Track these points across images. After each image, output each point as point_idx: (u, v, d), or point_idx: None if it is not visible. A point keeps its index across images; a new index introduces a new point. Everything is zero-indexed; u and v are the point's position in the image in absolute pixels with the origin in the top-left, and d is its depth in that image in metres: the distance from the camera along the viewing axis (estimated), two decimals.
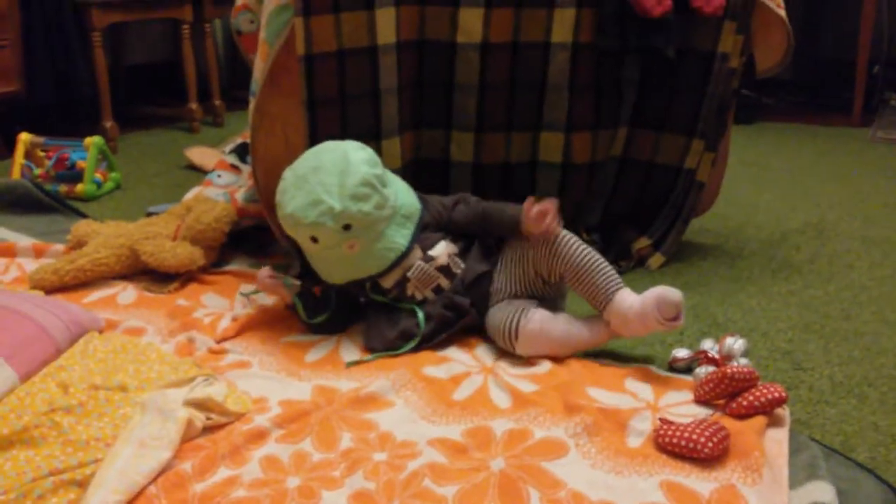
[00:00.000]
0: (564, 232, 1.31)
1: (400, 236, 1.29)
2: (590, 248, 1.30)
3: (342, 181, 1.23)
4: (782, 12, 1.66)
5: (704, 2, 1.55)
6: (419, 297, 1.33)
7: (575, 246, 1.29)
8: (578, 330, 1.27)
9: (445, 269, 1.33)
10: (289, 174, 1.29)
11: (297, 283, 1.38)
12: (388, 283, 1.32)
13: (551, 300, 1.35)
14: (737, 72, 1.64)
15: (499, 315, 1.29)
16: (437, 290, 1.33)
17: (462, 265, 1.35)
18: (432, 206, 1.37)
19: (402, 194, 1.33)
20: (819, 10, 3.81)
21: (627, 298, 1.24)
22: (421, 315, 1.30)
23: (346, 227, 1.24)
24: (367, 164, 1.26)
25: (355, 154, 1.27)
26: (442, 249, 1.33)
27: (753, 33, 1.66)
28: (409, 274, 1.31)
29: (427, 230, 1.34)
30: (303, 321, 1.35)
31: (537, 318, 1.26)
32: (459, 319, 1.31)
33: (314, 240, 1.26)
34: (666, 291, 1.22)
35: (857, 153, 2.82)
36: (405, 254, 1.30)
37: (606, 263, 1.29)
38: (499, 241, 1.37)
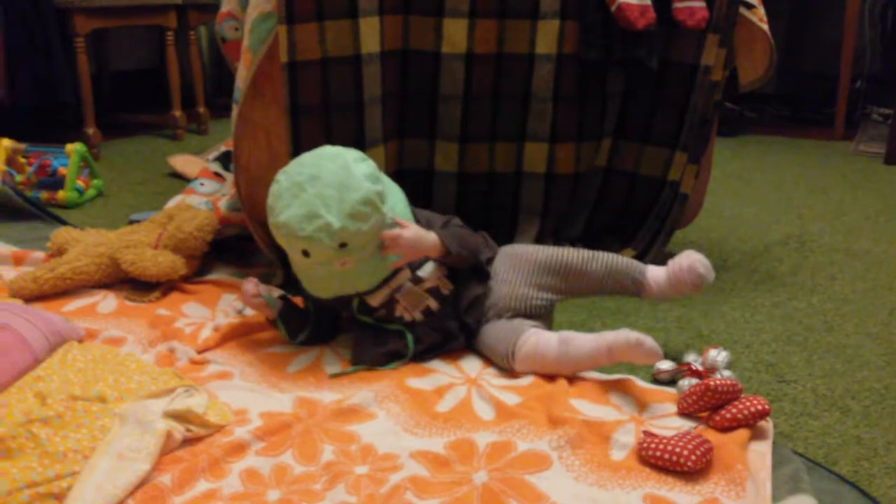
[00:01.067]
0: (560, 252, 1.34)
1: (392, 255, 1.25)
2: (586, 252, 1.35)
3: (342, 196, 1.18)
4: (765, 26, 1.67)
5: (687, 14, 1.56)
6: (408, 318, 1.29)
7: (585, 263, 1.34)
8: (576, 352, 1.23)
9: (434, 291, 1.30)
10: (283, 178, 1.23)
11: (280, 300, 1.33)
12: (375, 301, 1.28)
13: (543, 316, 1.34)
14: (719, 84, 1.65)
15: (494, 335, 1.28)
16: (427, 311, 1.30)
17: (451, 286, 1.32)
18: (420, 219, 1.33)
19: (399, 206, 1.29)
20: (802, 25, 3.85)
21: (655, 273, 1.34)
22: (410, 338, 1.28)
23: (342, 245, 1.19)
24: (369, 180, 1.20)
25: (357, 167, 1.21)
26: (430, 270, 1.30)
27: (736, 47, 1.68)
28: (397, 295, 1.28)
29: None
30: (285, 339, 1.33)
31: (533, 341, 1.24)
32: (448, 342, 1.30)
33: (305, 253, 1.21)
34: (698, 260, 1.30)
35: (840, 166, 2.85)
36: (394, 272, 1.27)
37: (613, 257, 1.35)
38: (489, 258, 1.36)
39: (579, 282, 1.34)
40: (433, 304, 1.30)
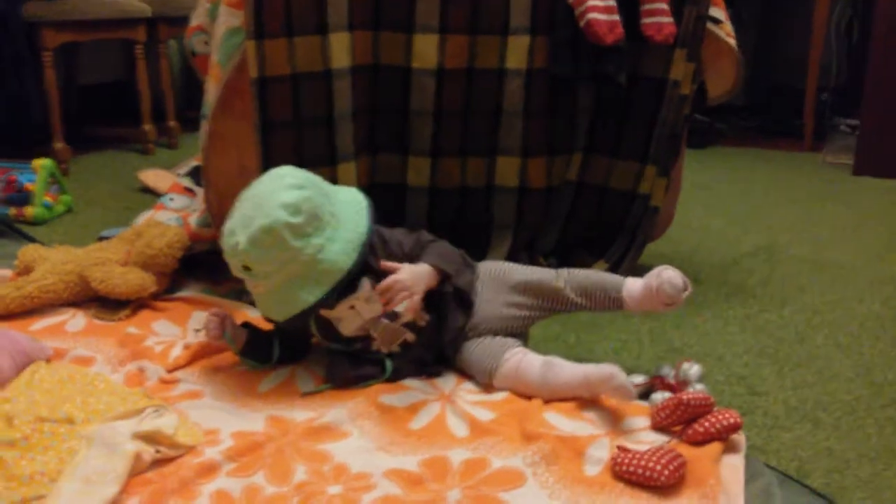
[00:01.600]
0: (538, 272, 1.33)
1: (307, 293, 1.18)
2: (563, 271, 1.33)
3: (254, 218, 1.15)
4: (732, 42, 1.70)
5: (655, 30, 1.58)
6: (385, 351, 1.27)
7: (562, 282, 1.30)
8: (555, 379, 1.21)
9: (411, 325, 1.26)
10: (240, 196, 1.24)
11: (244, 328, 1.29)
12: (346, 331, 1.25)
13: (522, 334, 1.34)
14: (688, 98, 1.67)
15: (479, 351, 1.27)
16: (404, 344, 1.27)
17: (427, 316, 1.27)
18: (392, 245, 1.28)
19: (337, 247, 1.19)
20: (770, 39, 3.91)
21: (632, 289, 1.29)
22: (389, 364, 1.26)
23: (246, 268, 1.18)
24: (286, 210, 1.14)
25: (284, 194, 1.16)
26: (406, 304, 1.24)
27: (704, 61, 1.70)
28: (373, 331, 1.25)
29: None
30: None
31: (516, 360, 1.24)
32: (424, 372, 1.28)
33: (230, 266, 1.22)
34: (667, 281, 1.24)
35: (808, 177, 2.89)
36: (315, 306, 1.20)
37: (589, 275, 1.33)
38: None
39: (557, 301, 1.32)
40: (410, 336, 1.27)
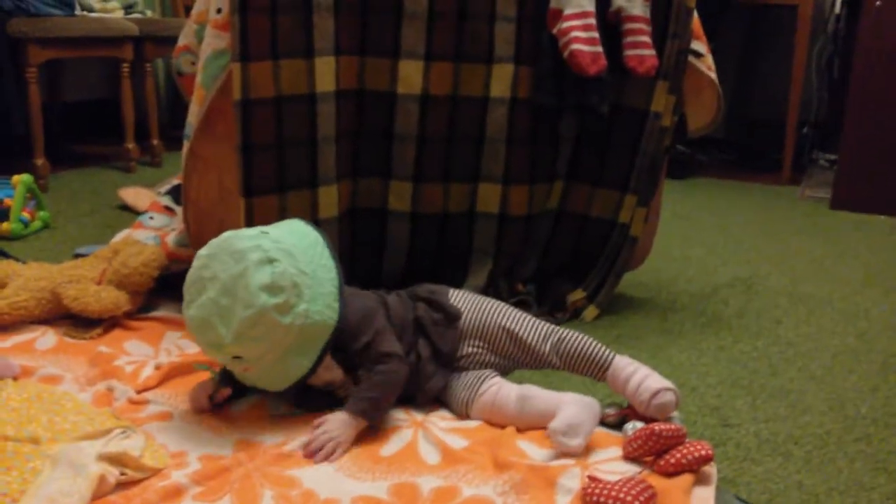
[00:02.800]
0: (525, 331, 1.28)
1: (302, 359, 1.16)
2: (554, 337, 1.27)
3: (234, 308, 1.09)
4: (713, 75, 1.72)
5: (637, 62, 1.60)
6: None
7: (548, 348, 1.26)
8: (532, 410, 1.21)
9: None
10: (196, 264, 1.15)
11: (225, 391, 1.23)
12: (314, 381, 1.23)
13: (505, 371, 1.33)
14: (669, 130, 1.69)
15: (456, 383, 1.26)
16: None
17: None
18: (346, 337, 1.20)
19: (320, 304, 1.15)
20: (751, 72, 3.97)
21: (621, 377, 1.24)
22: None
23: (237, 357, 1.14)
24: (266, 293, 1.10)
25: (257, 274, 1.10)
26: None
27: (685, 94, 1.72)
28: (339, 391, 1.24)
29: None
30: None
31: (493, 391, 1.23)
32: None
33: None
34: (664, 406, 1.19)
35: (786, 210, 2.92)
36: (311, 373, 1.18)
37: (585, 345, 1.27)
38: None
39: (537, 361, 1.29)
40: None
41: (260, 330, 1.11)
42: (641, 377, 1.22)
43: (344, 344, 1.20)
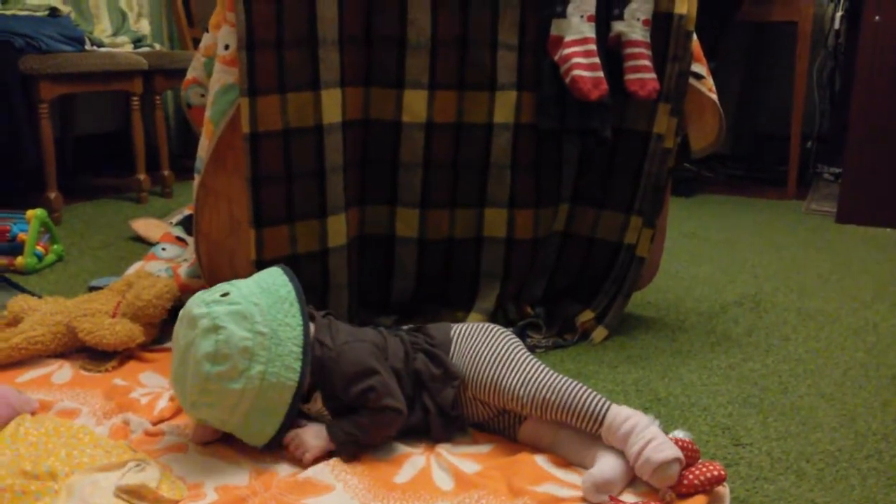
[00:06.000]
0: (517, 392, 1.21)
1: (272, 418, 1.16)
2: (547, 380, 1.20)
3: (186, 377, 1.14)
4: (714, 96, 1.74)
5: (639, 86, 1.62)
6: None
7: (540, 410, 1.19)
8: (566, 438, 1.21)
9: None
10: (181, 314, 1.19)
11: None
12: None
13: None
14: (672, 151, 1.71)
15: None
16: None
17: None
18: (335, 378, 1.20)
19: (278, 365, 1.15)
20: (754, 88, 4.00)
21: (618, 433, 1.14)
22: None
23: (204, 421, 1.19)
24: (209, 362, 1.11)
25: (200, 344, 1.12)
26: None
27: (687, 115, 1.74)
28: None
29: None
30: None
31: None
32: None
33: None
34: (668, 478, 1.10)
35: (792, 225, 2.93)
36: (283, 430, 1.18)
37: (577, 387, 1.18)
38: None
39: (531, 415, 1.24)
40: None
41: (210, 397, 1.14)
42: (642, 445, 1.11)
43: (336, 392, 1.20)
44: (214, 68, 1.53)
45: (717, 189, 3.53)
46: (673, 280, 2.18)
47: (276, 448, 1.20)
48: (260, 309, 1.16)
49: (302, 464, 1.16)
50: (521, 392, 1.20)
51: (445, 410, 1.25)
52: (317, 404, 1.23)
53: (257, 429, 1.17)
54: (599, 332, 1.72)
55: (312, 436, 1.19)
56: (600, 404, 1.16)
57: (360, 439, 1.19)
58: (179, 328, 1.18)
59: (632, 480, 1.15)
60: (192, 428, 1.25)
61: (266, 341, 1.15)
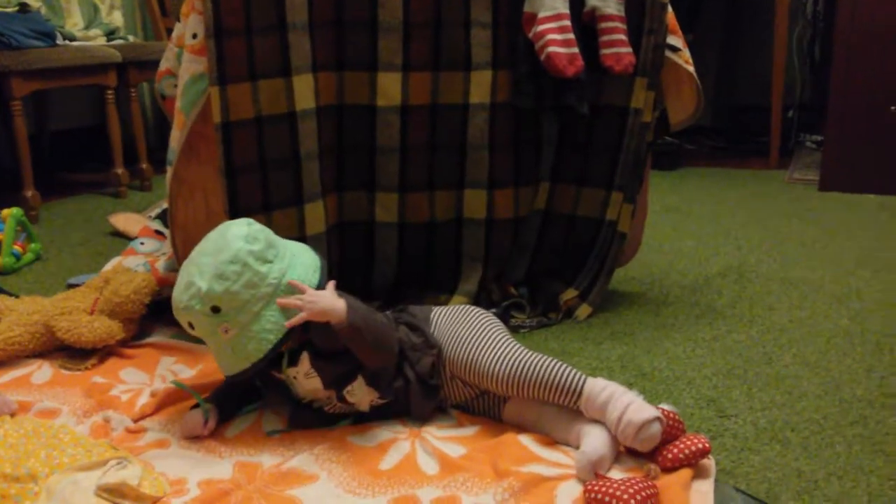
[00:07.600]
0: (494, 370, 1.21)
1: (282, 316, 1.16)
2: (523, 357, 1.20)
3: (214, 260, 1.15)
4: (691, 68, 1.73)
5: (615, 61, 1.60)
6: (360, 409, 1.25)
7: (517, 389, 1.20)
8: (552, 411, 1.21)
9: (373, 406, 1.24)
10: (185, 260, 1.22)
11: (211, 406, 1.25)
12: (300, 393, 1.24)
13: None
14: (650, 126, 1.70)
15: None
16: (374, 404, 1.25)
17: (379, 401, 1.24)
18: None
19: (300, 270, 1.20)
20: (734, 59, 3.99)
21: (596, 402, 1.15)
22: (350, 420, 1.25)
23: (215, 310, 1.14)
24: (243, 240, 1.16)
25: (233, 230, 1.18)
26: (360, 395, 1.22)
27: (665, 89, 1.73)
28: (326, 406, 1.25)
29: None
30: None
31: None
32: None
33: (191, 326, 1.17)
34: (651, 438, 1.11)
35: (775, 195, 2.93)
36: (286, 338, 1.17)
37: (552, 363, 1.19)
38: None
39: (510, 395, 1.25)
40: (378, 402, 1.25)
41: (234, 270, 1.14)
42: (621, 409, 1.12)
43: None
44: (183, 58, 1.51)
45: (699, 162, 3.53)
46: (656, 254, 2.17)
47: (288, 414, 1.24)
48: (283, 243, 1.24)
49: (308, 308, 1.14)
50: (498, 370, 1.20)
51: (424, 378, 1.25)
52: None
53: (265, 332, 1.14)
54: (583, 310, 1.72)
55: (330, 293, 1.18)
56: (576, 377, 1.17)
57: (366, 330, 1.16)
58: (200, 245, 1.21)
59: (617, 456, 1.14)
60: (183, 423, 1.23)
61: (289, 254, 1.22)
